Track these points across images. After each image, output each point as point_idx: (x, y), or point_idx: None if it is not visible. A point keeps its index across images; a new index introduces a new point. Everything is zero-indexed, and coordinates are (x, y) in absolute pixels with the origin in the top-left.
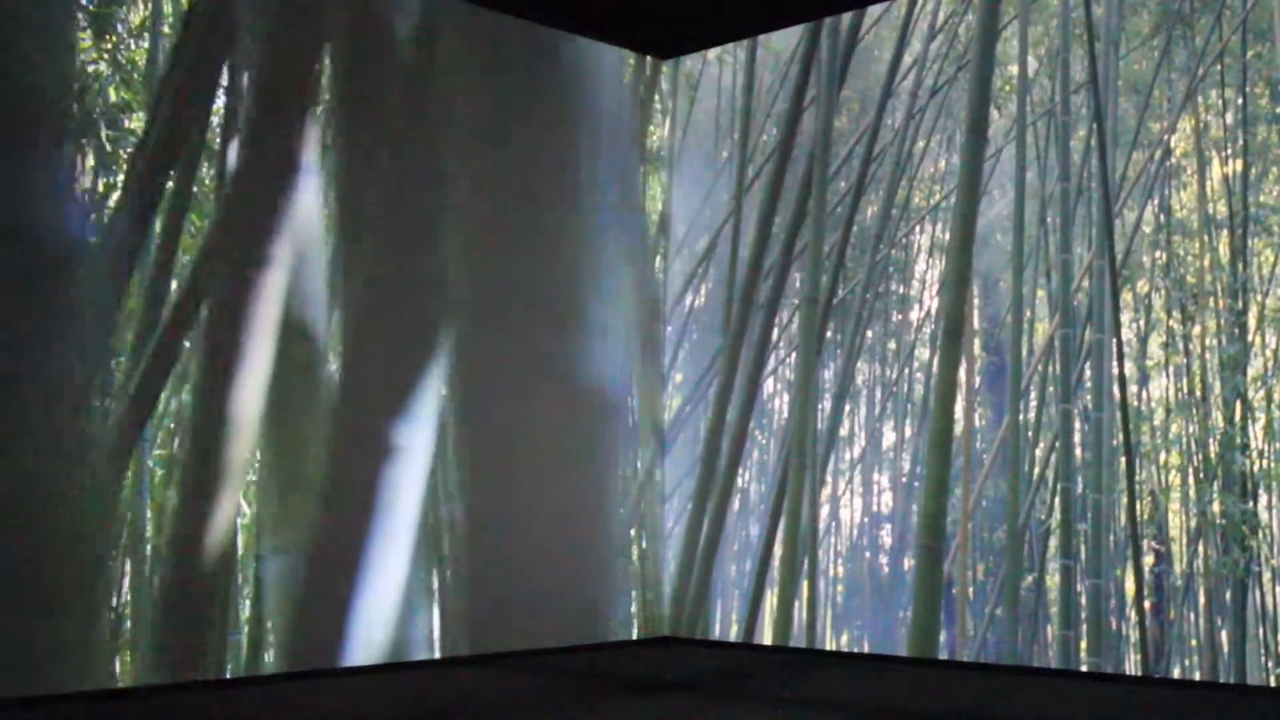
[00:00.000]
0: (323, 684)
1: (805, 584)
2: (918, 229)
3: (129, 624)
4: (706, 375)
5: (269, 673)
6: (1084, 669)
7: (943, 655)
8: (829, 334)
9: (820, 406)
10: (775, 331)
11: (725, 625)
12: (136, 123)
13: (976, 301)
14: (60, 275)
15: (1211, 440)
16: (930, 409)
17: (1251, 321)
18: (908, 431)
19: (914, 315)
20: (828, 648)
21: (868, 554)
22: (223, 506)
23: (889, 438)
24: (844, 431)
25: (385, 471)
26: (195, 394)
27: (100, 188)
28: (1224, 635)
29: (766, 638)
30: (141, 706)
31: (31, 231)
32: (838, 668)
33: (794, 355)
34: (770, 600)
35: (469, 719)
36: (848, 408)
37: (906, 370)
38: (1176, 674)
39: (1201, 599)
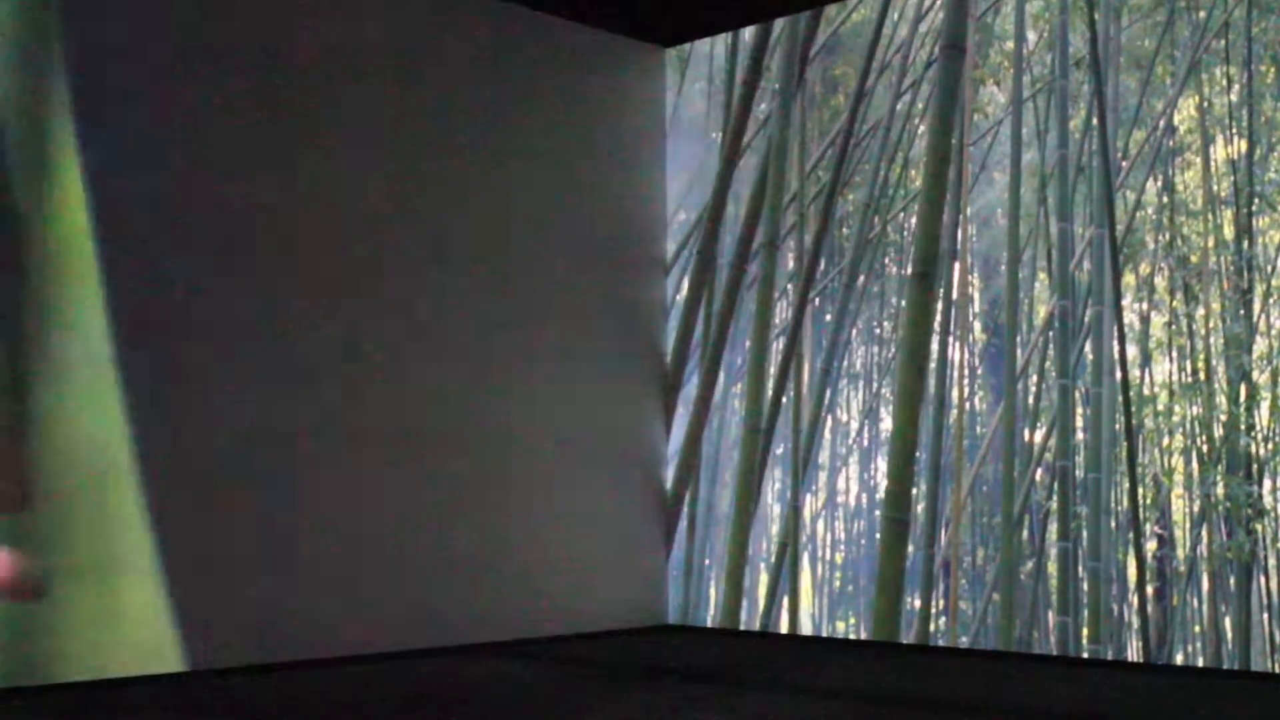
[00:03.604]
0: (326, 673)
1: (788, 569)
2: (913, 209)
3: None
4: (691, 357)
5: (270, 661)
6: (1084, 655)
7: (940, 642)
8: (828, 318)
9: (809, 390)
10: (759, 306)
11: (718, 611)
12: None
13: (976, 282)
14: None
15: (1215, 422)
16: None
17: (1257, 302)
18: None
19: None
20: (823, 634)
21: (863, 540)
22: None
23: (886, 423)
24: (842, 416)
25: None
26: None
27: None
28: (1228, 621)
29: (755, 625)
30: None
31: None
32: (834, 655)
33: (785, 339)
34: (760, 586)
35: (472, 708)
36: (845, 395)
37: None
38: (1179, 660)
39: (1205, 584)
